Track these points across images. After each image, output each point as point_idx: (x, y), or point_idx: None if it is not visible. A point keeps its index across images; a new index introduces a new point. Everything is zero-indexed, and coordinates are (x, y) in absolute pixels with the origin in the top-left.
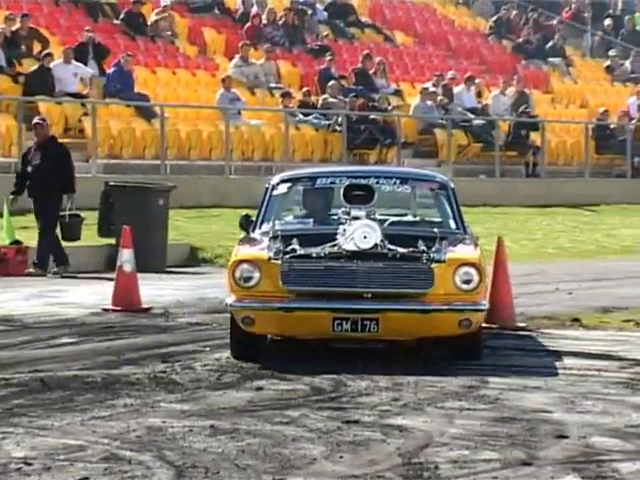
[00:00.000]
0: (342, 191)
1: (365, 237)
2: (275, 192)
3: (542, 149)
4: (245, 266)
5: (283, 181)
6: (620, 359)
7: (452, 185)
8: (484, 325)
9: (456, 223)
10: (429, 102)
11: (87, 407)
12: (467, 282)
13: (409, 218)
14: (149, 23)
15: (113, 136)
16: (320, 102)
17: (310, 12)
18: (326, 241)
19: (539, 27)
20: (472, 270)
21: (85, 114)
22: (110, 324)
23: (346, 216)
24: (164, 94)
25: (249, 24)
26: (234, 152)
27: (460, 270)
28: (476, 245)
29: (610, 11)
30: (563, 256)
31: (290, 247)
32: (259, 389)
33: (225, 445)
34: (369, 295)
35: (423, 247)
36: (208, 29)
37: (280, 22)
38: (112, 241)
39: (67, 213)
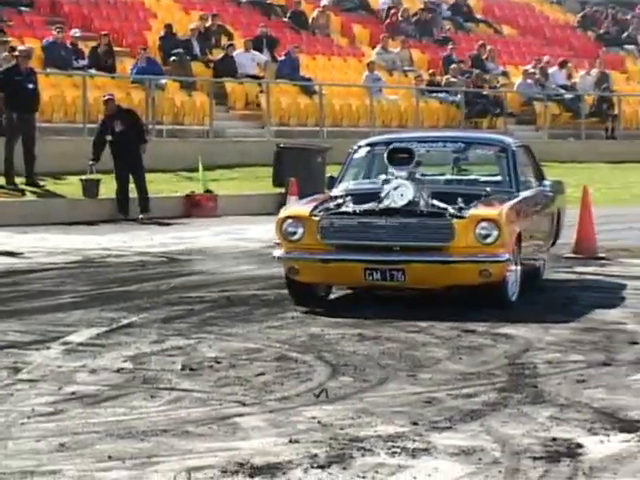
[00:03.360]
0: (386, 155)
1: (402, 195)
2: (355, 155)
3: (618, 117)
4: (290, 221)
5: (362, 146)
6: None
7: (514, 148)
8: (573, 255)
9: (511, 182)
10: (529, 81)
11: (263, 318)
12: (486, 236)
13: (465, 177)
14: (310, 20)
15: (283, 109)
16: (444, 81)
17: (436, 10)
18: (375, 199)
19: (616, 21)
20: (491, 225)
21: (261, 91)
22: None
23: (391, 176)
24: (322, 76)
25: (388, 20)
26: (376, 120)
27: (479, 225)
28: (516, 203)
29: None
30: (635, 201)
31: (335, 204)
32: (395, 305)
33: (370, 348)
34: (397, 248)
35: (460, 204)
36: (356, 25)
37: (412, 19)
38: (282, 190)
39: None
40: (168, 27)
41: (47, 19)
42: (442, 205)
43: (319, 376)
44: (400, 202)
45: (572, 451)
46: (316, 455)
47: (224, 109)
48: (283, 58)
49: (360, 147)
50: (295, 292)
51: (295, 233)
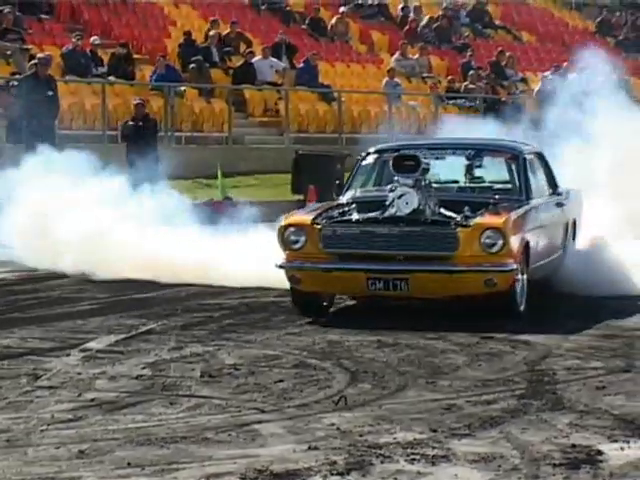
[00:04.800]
0: (391, 162)
1: (407, 203)
2: (363, 162)
3: None
4: (291, 229)
5: (371, 153)
6: None
7: (525, 155)
8: None
9: (521, 190)
10: (548, 87)
11: (282, 325)
12: (491, 245)
13: (475, 185)
14: (329, 27)
15: (301, 115)
16: (462, 88)
17: (455, 17)
18: (381, 207)
19: (635, 27)
20: (496, 234)
21: (280, 98)
22: None
23: (396, 184)
24: (341, 83)
25: (407, 27)
26: (395, 127)
27: (484, 234)
28: (524, 211)
29: None
30: None
31: (339, 213)
32: (413, 313)
33: (389, 355)
34: (401, 257)
35: (467, 213)
36: (375, 31)
37: (431, 25)
38: (301, 197)
39: None
40: (187, 34)
41: (66, 26)
42: (447, 214)
43: (338, 383)
44: (405, 210)
45: (592, 458)
46: (335, 462)
47: (243, 116)
48: (302, 65)
49: (368, 154)
50: (298, 301)
51: (297, 242)
